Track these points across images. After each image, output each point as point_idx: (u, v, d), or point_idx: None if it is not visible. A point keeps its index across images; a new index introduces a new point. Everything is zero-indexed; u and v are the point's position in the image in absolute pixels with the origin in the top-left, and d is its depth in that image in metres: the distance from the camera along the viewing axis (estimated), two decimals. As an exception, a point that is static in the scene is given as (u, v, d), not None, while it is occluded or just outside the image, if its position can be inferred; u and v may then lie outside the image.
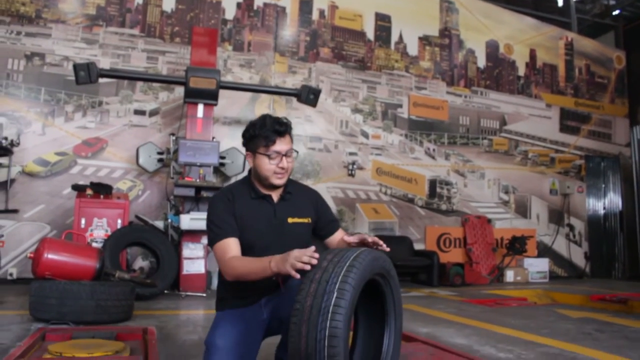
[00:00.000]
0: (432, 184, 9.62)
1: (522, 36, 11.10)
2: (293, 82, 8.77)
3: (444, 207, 9.66)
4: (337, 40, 9.33)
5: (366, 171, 9.12)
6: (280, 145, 2.44)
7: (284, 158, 2.45)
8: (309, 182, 8.53)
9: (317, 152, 8.78)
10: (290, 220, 2.53)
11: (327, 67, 9.18)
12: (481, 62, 10.58)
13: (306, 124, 8.68)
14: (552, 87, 11.32)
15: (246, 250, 2.42)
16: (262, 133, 2.43)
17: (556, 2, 12.80)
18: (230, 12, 8.73)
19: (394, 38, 9.79)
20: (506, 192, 10.33)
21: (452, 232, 9.50)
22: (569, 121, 11.33)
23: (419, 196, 9.50)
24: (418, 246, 9.06)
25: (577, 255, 10.91)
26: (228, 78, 8.28)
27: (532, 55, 11.18)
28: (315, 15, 9.23)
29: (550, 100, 11.20)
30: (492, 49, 10.72)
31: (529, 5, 12.11)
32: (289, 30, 9.08)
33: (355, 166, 8.95)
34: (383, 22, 9.72)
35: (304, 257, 2.02)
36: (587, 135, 11.48)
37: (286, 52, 8.96)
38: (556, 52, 11.50)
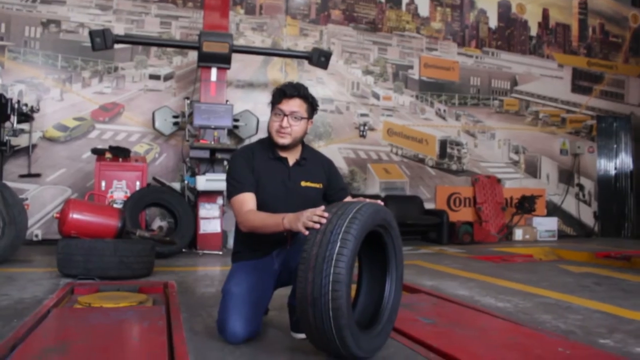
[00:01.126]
0: (443, 144, 9.75)
1: (535, -5, 11.03)
2: (304, 44, 8.86)
3: (454, 167, 9.81)
4: (348, 2, 9.35)
5: (377, 132, 9.26)
6: (286, 105, 2.65)
7: (285, 118, 2.64)
8: (320, 143, 8.71)
9: (328, 113, 8.92)
10: (303, 183, 2.74)
11: (338, 30, 9.24)
12: (493, 22, 10.55)
13: (318, 86, 8.78)
14: (564, 46, 11.27)
15: (259, 207, 2.63)
16: (274, 92, 2.70)
17: (570, -40, 12.62)
18: (242, -25, 8.79)
19: (406, -1, 9.81)
20: (516, 152, 10.43)
21: (462, 192, 9.67)
22: (581, 81, 11.31)
23: (429, 156, 9.65)
24: (428, 205, 9.25)
25: (587, 215, 11.04)
26: (240, 42, 8.39)
27: (545, 14, 11.11)
28: (327, -24, 9.25)
29: (562, 60, 11.17)
30: (504, 9, 10.67)
31: (542, -37, 11.95)
32: (300, -8, 9.14)
33: (366, 127, 9.09)
34: (394, -17, 9.72)
35: (315, 216, 2.22)
36: (599, 96, 11.46)
37: (297, 15, 9.01)
38: (570, 11, 11.41)
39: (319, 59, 7.48)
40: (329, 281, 2.12)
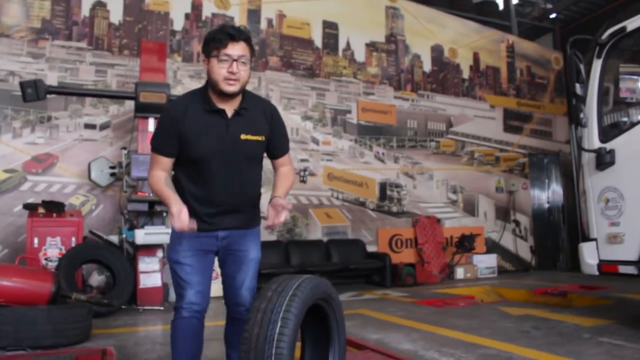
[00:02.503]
0: (383, 187, 9.89)
1: (466, 40, 11.48)
2: (243, 91, 8.89)
3: (394, 209, 9.94)
4: (286, 49, 9.47)
5: (318, 177, 9.31)
6: (233, 49, 2.40)
7: (234, 63, 2.39)
8: (262, 190, 8.64)
9: (269, 160, 8.90)
10: (243, 137, 2.52)
11: (277, 76, 9.32)
12: (427, 66, 10.90)
13: (258, 132, 8.79)
14: (495, 88, 11.75)
15: (194, 164, 2.52)
16: (215, 35, 2.42)
17: (497, 6, 13.27)
18: (178, 23, 8.76)
19: (342, 45, 10.00)
20: (454, 192, 10.69)
21: (403, 233, 9.79)
22: (512, 121, 11.78)
23: (370, 199, 9.75)
24: (371, 248, 9.31)
25: (524, 249, 11.38)
26: (178, 89, 8.32)
27: (476, 58, 11.57)
28: (263, 25, 9.33)
29: (493, 101, 11.62)
30: (437, 53, 11.05)
31: (471, 9, 12.50)
32: (238, 40, 9.16)
33: (307, 172, 9.13)
34: (330, 30, 9.91)
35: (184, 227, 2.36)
36: (530, 134, 11.96)
37: (236, 62, 9.05)
38: (498, 54, 11.93)
39: (258, 107, 7.48)
40: (270, 354, 2.11)
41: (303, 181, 9.11)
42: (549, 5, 13.40)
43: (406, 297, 7.42)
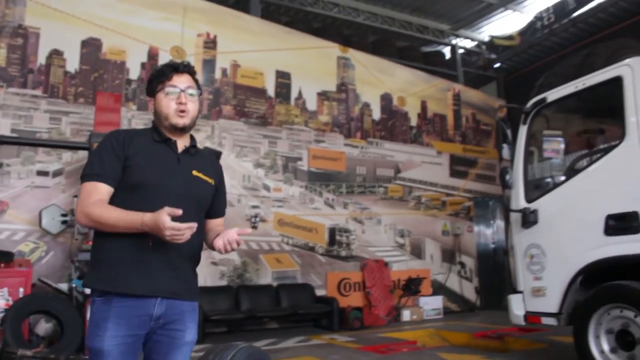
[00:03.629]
0: (332, 232, 10.19)
1: (414, 89, 12.02)
2: (197, 139, 9.07)
3: (343, 253, 10.24)
4: (239, 98, 9.77)
5: (268, 223, 9.55)
6: (178, 80, 2.27)
7: (182, 94, 2.25)
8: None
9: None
10: (195, 173, 2.29)
11: (230, 124, 9.58)
12: (376, 114, 11.35)
13: (210, 179, 9.00)
14: (442, 135, 12.29)
15: (137, 192, 2.15)
16: (158, 71, 2.32)
17: (444, 56, 13.94)
18: (134, 72, 8.97)
19: (294, 94, 10.37)
20: (402, 236, 11.07)
21: (351, 277, 10.07)
22: (458, 166, 12.31)
23: (319, 244, 10.03)
24: (320, 292, 9.54)
25: (469, 290, 11.79)
26: (132, 137, 8.50)
27: (423, 106, 12.10)
28: (218, 74, 9.64)
29: (440, 147, 12.14)
30: (386, 101, 11.53)
31: (420, 59, 13.11)
32: (193, 89, 9.39)
33: (257, 219, 9.36)
34: (283, 80, 10.28)
35: (175, 231, 1.94)
36: (475, 179, 12.51)
37: (190, 111, 9.26)
38: (445, 102, 12.51)
39: (210, 158, 7.73)
40: None
41: (254, 227, 9.31)
42: (493, 56, 14.12)
43: (352, 342, 7.66)
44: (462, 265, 11.82)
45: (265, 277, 9.28)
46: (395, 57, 12.35)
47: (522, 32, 13.25)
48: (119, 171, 2.16)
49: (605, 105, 5.36)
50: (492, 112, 13.24)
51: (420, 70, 12.48)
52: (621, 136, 4.33)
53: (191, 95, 2.28)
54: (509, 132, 5.49)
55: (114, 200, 2.14)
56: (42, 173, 8.03)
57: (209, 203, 2.36)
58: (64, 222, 7.31)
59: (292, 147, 10.15)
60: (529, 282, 5.16)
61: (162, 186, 2.16)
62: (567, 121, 6.42)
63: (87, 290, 6.50)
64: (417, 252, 11.22)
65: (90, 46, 8.65)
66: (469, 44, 14.37)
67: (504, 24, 13.56)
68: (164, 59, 9.10)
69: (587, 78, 4.77)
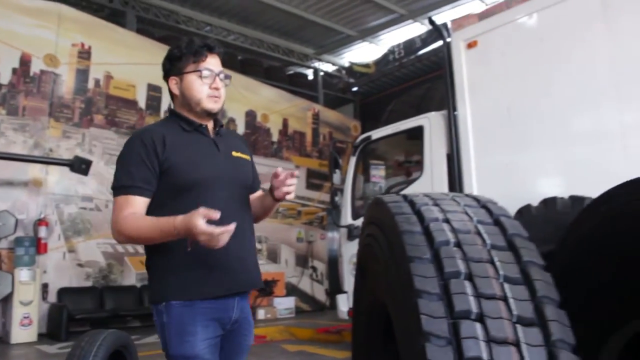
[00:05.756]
0: (195, 237, 10.98)
1: (277, 107, 13.13)
2: (67, 146, 9.50)
3: (205, 257, 11.07)
4: (111, 108, 10.27)
5: (135, 227, 10.14)
6: (212, 63, 2.08)
7: (217, 78, 2.07)
8: (79, 239, 9.34)
9: (88, 211, 9.60)
10: (234, 154, 2.16)
11: (100, 133, 10.06)
12: (240, 129, 12.31)
13: (78, 185, 9.45)
14: (300, 150, 13.52)
15: (188, 192, 1.96)
16: (190, 49, 2.06)
17: (307, 77, 15.24)
18: (5, 77, 9.15)
19: (164, 107, 11.02)
20: (259, 242, 12.09)
21: (212, 279, 10.92)
22: (314, 179, 13.59)
23: (183, 248, 10.77)
24: (181, 292, 10.30)
25: (320, 292, 13.10)
26: (1, 142, 8.77)
27: (285, 123, 13.25)
28: (91, 84, 10.07)
29: (298, 162, 13.36)
30: (250, 117, 12.53)
31: (284, 80, 14.28)
32: (65, 97, 9.76)
33: (125, 223, 9.92)
34: (154, 93, 10.91)
35: (216, 231, 1.72)
36: (329, 191, 13.79)
37: (61, 118, 9.61)
38: (305, 121, 13.76)
39: (80, 166, 8.29)
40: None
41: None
42: (352, 80, 15.65)
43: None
44: (314, 269, 13.09)
45: (130, 279, 9.89)
46: (262, 77, 13.40)
47: (377, 62, 14.86)
48: (152, 178, 1.95)
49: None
50: (348, 132, 14.71)
51: (284, 90, 13.62)
52: (421, 171, 5.65)
53: (224, 79, 2.12)
54: (340, 160, 6.71)
55: (164, 209, 1.92)
56: None
57: (251, 179, 2.25)
58: None
59: (160, 157, 10.80)
60: (351, 284, 6.34)
61: (211, 178, 2.01)
62: (397, 151, 7.79)
63: None
64: (273, 256, 12.32)
65: (-40, 50, 8.80)
66: (330, 68, 15.79)
67: (362, 53, 15.11)
68: (37, 66, 9.42)
69: (402, 123, 6.10)
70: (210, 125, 2.13)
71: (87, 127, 9.92)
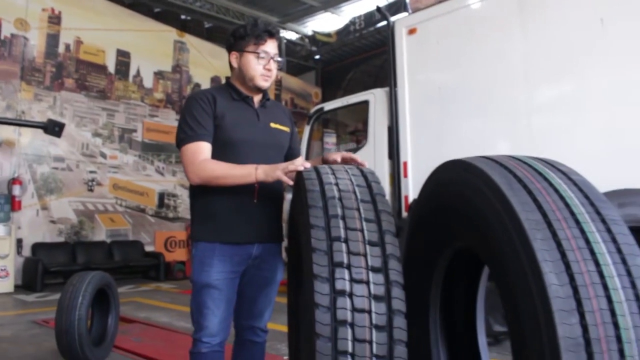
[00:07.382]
0: (161, 196, 11.65)
1: (241, 73, 13.61)
2: (39, 108, 9.94)
3: (170, 215, 11.75)
4: (81, 72, 10.70)
5: (104, 187, 10.74)
6: (270, 46, 2.36)
7: (271, 60, 2.36)
8: (52, 198, 9.88)
9: (60, 171, 10.11)
10: (272, 125, 2.44)
11: (71, 96, 10.50)
12: (206, 94, 12.81)
13: (50, 146, 9.93)
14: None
15: (229, 148, 2.30)
16: (253, 32, 2.34)
17: (270, 45, 15.71)
18: (-24, 40, 9.53)
19: (132, 72, 11.51)
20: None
21: (177, 235, 11.61)
22: (276, 144, 14.21)
23: (149, 206, 11.43)
24: (149, 248, 10.98)
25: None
26: (-26, 103, 9.18)
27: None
28: (61, 49, 10.45)
29: (261, 126, 13.94)
30: (215, 83, 13.00)
31: (249, 46, 14.70)
32: (36, 61, 10.14)
33: (94, 182, 10.50)
34: (123, 58, 11.36)
35: (297, 161, 2.11)
36: (290, 155, 14.51)
37: (32, 81, 10.01)
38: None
39: (54, 129, 8.75)
40: (75, 319, 3.87)
41: (91, 190, 10.48)
42: (314, 48, 16.22)
43: (175, 288, 9.27)
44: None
45: (100, 235, 10.51)
46: (227, 44, 13.81)
47: (339, 32, 15.50)
48: (212, 128, 2.27)
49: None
50: (309, 98, 15.35)
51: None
52: (366, 140, 6.39)
53: (277, 62, 2.41)
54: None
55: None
56: None
57: (287, 148, 2.53)
58: None
59: (128, 120, 11.35)
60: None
61: (249, 141, 2.32)
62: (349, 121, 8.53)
63: None
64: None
65: None
66: (294, 36, 16.29)
67: (325, 23, 15.63)
68: (7, 30, 9.75)
69: (351, 97, 6.80)
70: (257, 98, 2.42)
71: (58, 91, 10.34)
